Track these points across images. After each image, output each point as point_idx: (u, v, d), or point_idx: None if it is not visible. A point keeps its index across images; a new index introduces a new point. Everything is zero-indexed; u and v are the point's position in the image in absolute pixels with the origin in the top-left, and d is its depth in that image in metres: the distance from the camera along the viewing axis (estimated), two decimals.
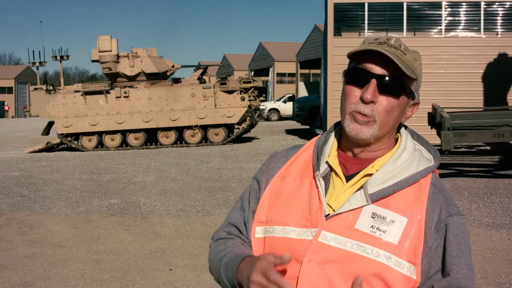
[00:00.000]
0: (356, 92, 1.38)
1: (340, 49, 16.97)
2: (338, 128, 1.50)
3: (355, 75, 1.38)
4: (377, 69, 1.35)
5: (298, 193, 1.43)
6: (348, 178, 1.41)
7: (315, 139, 1.53)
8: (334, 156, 1.45)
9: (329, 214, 1.36)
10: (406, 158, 1.40)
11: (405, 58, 1.37)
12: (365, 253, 1.30)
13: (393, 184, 1.35)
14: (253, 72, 45.25)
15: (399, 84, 1.36)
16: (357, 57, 1.40)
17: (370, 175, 1.39)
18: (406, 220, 1.32)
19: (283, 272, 1.35)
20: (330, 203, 1.38)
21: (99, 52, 19.27)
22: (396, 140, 1.47)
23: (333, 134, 1.50)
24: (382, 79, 1.35)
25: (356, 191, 1.38)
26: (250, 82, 18.87)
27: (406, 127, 1.49)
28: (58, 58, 20.60)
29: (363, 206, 1.34)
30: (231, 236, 1.54)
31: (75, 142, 19.15)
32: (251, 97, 18.84)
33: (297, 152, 1.53)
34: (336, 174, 1.42)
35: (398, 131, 1.48)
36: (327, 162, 1.44)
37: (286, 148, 1.62)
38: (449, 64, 17.61)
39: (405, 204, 1.34)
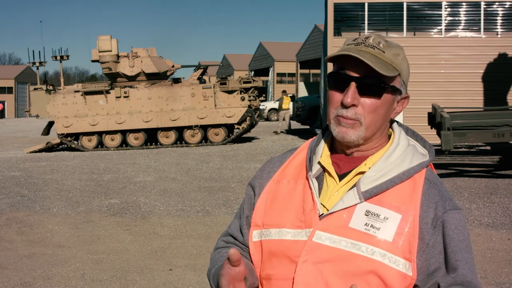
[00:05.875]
0: (337, 96, 1.38)
1: None
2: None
3: (336, 80, 1.39)
4: (356, 72, 1.35)
5: (293, 195, 1.43)
6: (341, 177, 1.41)
7: (309, 141, 1.53)
8: (327, 156, 1.45)
9: (323, 214, 1.36)
10: (399, 154, 1.39)
11: (384, 56, 1.35)
12: (360, 251, 1.30)
13: (386, 181, 1.35)
14: (253, 72, 45.26)
15: (379, 83, 1.35)
16: (337, 61, 1.40)
17: (363, 173, 1.38)
18: (400, 217, 1.32)
19: (279, 274, 1.36)
20: (323, 202, 1.38)
21: (99, 52, 19.27)
22: (389, 136, 1.46)
23: (326, 134, 1.50)
24: (361, 82, 1.35)
25: (349, 189, 1.37)
26: (250, 82, 18.87)
27: (399, 123, 1.49)
28: (58, 58, 20.59)
29: (356, 204, 1.34)
30: (228, 244, 1.56)
31: (75, 142, 19.16)
32: (251, 97, 18.84)
33: (291, 155, 1.54)
34: (329, 173, 1.42)
35: (391, 127, 1.47)
36: (319, 163, 1.44)
37: (284, 151, 1.63)
38: (449, 64, 17.61)
39: (399, 201, 1.34)
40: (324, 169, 1.43)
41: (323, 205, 1.38)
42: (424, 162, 1.39)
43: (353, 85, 1.35)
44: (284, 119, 23.28)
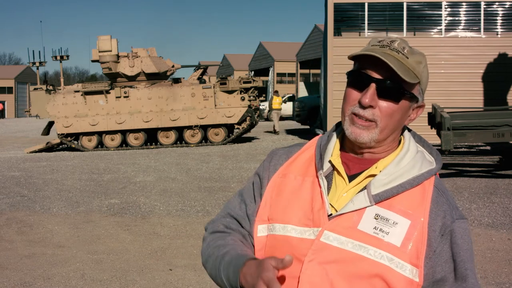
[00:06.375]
0: (355, 95, 1.37)
1: (340, 49, 16.96)
2: (341, 128, 1.49)
3: (356, 78, 1.38)
4: (377, 73, 1.35)
5: (300, 191, 1.42)
6: (351, 178, 1.40)
7: (316, 138, 1.52)
8: (337, 156, 1.44)
9: (331, 214, 1.36)
10: (409, 160, 1.39)
11: (407, 62, 1.36)
12: (367, 254, 1.29)
13: (397, 185, 1.35)
14: (253, 72, 45.25)
15: (399, 88, 1.35)
16: (359, 60, 1.39)
17: (373, 175, 1.38)
18: (409, 222, 1.32)
19: (284, 271, 1.35)
20: (332, 202, 1.38)
21: (99, 52, 19.28)
22: (399, 141, 1.46)
23: (335, 133, 1.49)
24: (382, 84, 1.34)
25: (359, 191, 1.37)
26: (250, 82, 18.87)
27: (409, 129, 1.49)
28: (58, 58, 20.59)
29: (366, 207, 1.34)
30: (228, 230, 1.51)
31: (75, 142, 19.17)
32: (251, 97, 18.84)
33: (299, 150, 1.52)
34: (339, 173, 1.41)
35: (402, 133, 1.48)
36: (330, 161, 1.43)
37: (287, 146, 1.61)
38: (449, 64, 17.61)
39: (408, 206, 1.34)
40: (333, 168, 1.43)
41: (331, 205, 1.37)
42: (433, 170, 1.40)
43: (373, 86, 1.35)
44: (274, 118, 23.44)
